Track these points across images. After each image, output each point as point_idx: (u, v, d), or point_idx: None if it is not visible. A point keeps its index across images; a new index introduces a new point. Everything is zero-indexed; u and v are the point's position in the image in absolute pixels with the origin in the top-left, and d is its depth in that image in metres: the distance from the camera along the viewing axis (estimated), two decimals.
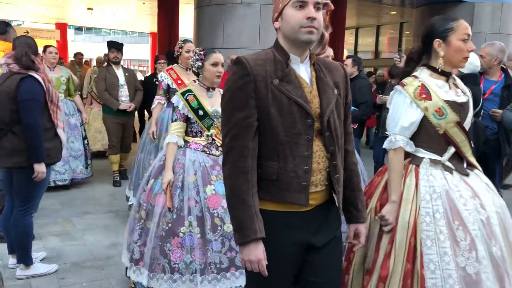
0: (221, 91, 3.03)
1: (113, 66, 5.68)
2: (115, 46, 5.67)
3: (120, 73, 5.68)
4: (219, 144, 2.89)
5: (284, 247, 1.64)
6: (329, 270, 1.74)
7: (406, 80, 2.17)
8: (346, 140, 1.79)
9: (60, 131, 3.25)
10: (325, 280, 1.72)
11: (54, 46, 5.73)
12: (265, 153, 1.62)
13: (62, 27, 18.78)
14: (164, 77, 4.30)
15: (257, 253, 1.56)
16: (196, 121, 2.89)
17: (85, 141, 5.73)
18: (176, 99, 2.92)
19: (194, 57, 2.94)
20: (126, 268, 2.91)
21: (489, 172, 3.06)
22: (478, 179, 2.17)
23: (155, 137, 4.17)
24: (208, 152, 2.88)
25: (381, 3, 11.19)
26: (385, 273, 2.01)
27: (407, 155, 2.18)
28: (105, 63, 5.86)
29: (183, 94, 2.90)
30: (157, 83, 4.50)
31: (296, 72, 1.65)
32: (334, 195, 1.74)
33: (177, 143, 2.87)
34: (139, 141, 4.52)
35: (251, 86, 1.58)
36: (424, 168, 2.11)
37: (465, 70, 3.37)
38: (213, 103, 2.92)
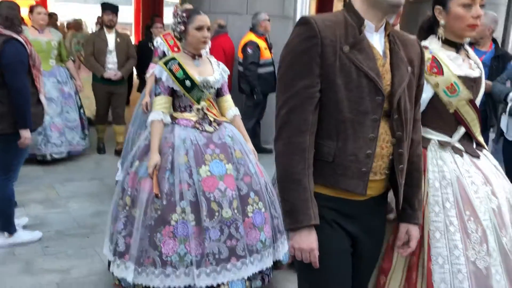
0: (211, 58, 2.82)
1: (105, 30, 5.34)
2: (110, 8, 5.30)
3: (111, 37, 5.34)
4: (212, 119, 2.63)
5: (336, 237, 1.48)
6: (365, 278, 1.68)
7: None
8: (413, 127, 1.59)
9: (42, 97, 3.18)
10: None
11: (42, 6, 5.28)
12: (324, 130, 1.42)
13: None
14: (160, 43, 4.00)
15: (310, 241, 1.40)
16: (183, 94, 2.58)
17: (81, 110, 5.41)
18: (158, 69, 2.59)
19: (176, 20, 2.62)
20: (109, 262, 2.62)
21: None
22: (488, 161, 2.00)
23: (149, 108, 3.92)
24: (200, 128, 2.57)
25: None
26: (388, 266, 1.86)
27: None
28: (98, 26, 5.53)
29: (165, 63, 2.59)
30: (152, 48, 4.25)
31: (370, 41, 1.44)
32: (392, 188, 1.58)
33: (162, 121, 2.56)
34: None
35: (317, 49, 1.36)
36: (432, 151, 1.90)
37: None
38: (201, 71, 2.63)
